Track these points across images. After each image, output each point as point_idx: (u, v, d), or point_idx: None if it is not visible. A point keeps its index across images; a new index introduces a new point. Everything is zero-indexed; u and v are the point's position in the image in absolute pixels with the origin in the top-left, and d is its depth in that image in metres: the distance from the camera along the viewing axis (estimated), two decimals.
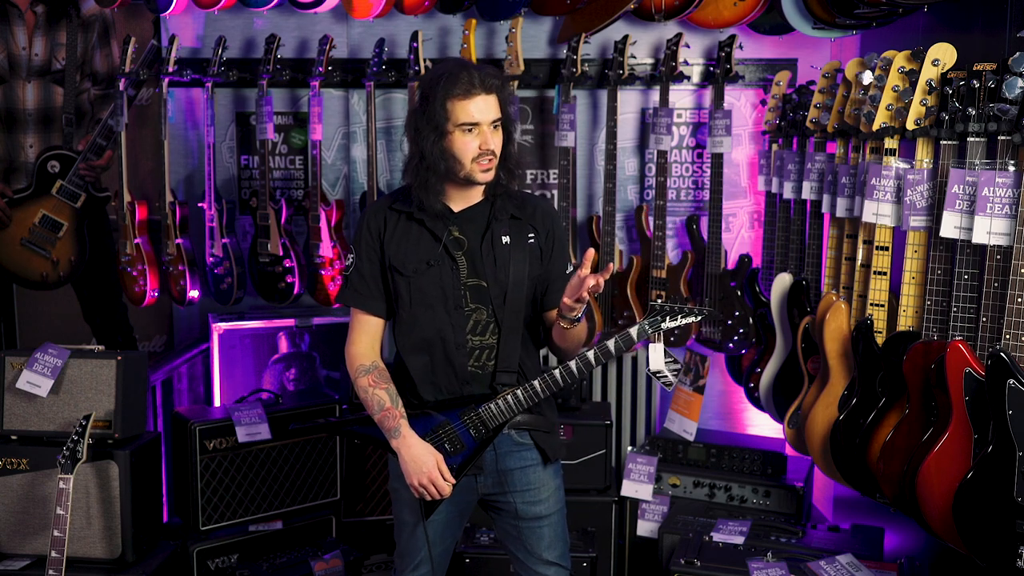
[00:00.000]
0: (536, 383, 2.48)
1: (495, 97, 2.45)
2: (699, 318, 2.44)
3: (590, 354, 2.44)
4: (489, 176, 2.48)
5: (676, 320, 2.42)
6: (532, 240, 2.56)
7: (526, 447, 2.60)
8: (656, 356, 2.72)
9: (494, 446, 2.56)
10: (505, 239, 2.53)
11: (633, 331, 2.42)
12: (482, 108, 2.43)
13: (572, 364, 2.45)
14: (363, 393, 2.55)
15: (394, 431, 2.51)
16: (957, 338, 2.36)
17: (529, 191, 3.25)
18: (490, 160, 2.46)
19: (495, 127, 2.46)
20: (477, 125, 2.44)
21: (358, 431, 2.67)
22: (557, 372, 2.45)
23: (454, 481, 2.51)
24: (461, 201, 2.55)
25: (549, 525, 2.63)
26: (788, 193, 3.49)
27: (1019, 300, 2.22)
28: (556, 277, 2.59)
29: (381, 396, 2.53)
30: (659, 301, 2.47)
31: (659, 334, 2.48)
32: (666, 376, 2.76)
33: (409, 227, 2.55)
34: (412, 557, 2.64)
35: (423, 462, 2.48)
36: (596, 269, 3.92)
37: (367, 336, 2.60)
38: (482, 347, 2.53)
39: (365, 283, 2.58)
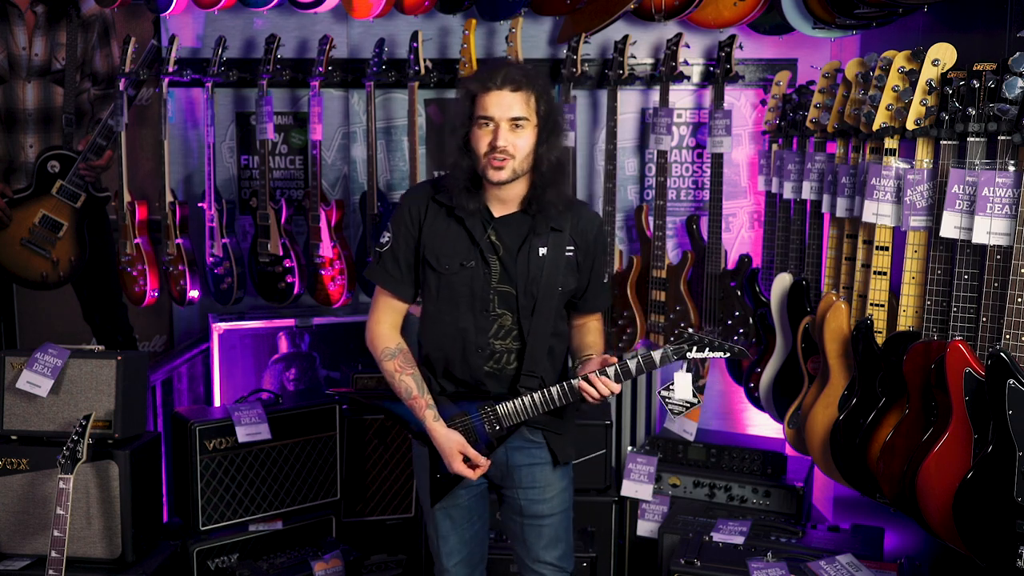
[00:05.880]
0: (554, 390, 2.49)
1: (520, 95, 2.41)
2: (727, 355, 2.42)
3: (610, 370, 2.44)
4: (500, 175, 2.43)
5: (703, 352, 2.41)
6: (570, 254, 2.55)
7: (537, 445, 2.61)
8: (683, 385, 2.60)
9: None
10: (542, 251, 2.52)
11: (656, 355, 2.43)
12: (498, 103, 2.40)
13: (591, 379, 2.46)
14: (390, 378, 2.56)
15: (421, 422, 2.54)
16: (957, 338, 2.36)
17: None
18: (503, 159, 2.41)
19: (515, 126, 2.42)
20: (492, 120, 2.41)
21: (388, 408, 2.66)
22: (576, 382, 2.47)
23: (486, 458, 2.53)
24: (500, 207, 2.53)
25: (551, 525, 2.64)
26: (788, 193, 3.49)
27: (1019, 300, 2.22)
28: (593, 284, 2.62)
29: (408, 383, 2.54)
30: (689, 330, 2.45)
31: (685, 363, 2.47)
32: (676, 406, 2.67)
33: (449, 223, 2.54)
34: (446, 552, 2.67)
35: (455, 441, 2.50)
36: None
37: (391, 318, 2.60)
38: (503, 350, 2.54)
39: (398, 266, 2.57)
